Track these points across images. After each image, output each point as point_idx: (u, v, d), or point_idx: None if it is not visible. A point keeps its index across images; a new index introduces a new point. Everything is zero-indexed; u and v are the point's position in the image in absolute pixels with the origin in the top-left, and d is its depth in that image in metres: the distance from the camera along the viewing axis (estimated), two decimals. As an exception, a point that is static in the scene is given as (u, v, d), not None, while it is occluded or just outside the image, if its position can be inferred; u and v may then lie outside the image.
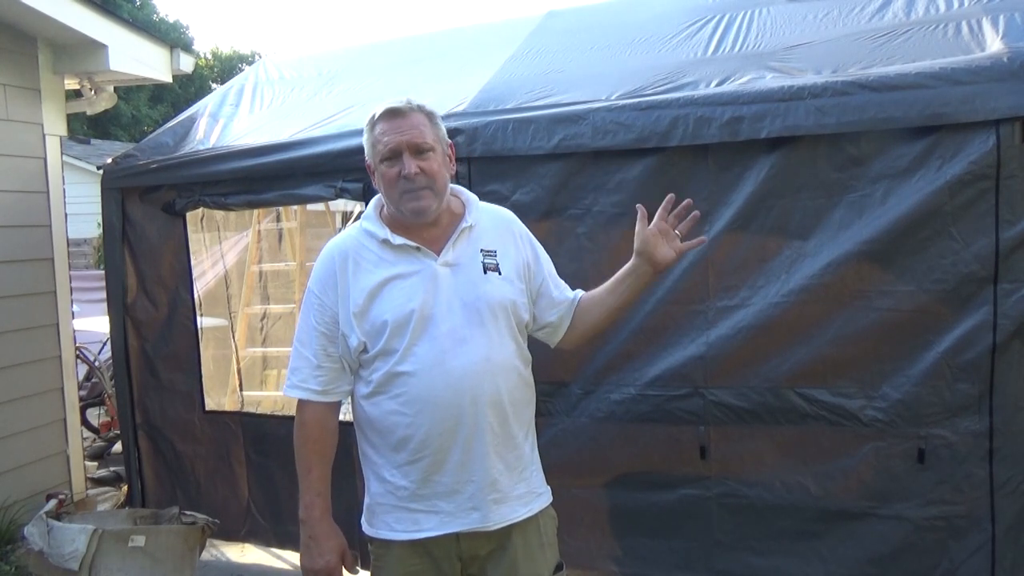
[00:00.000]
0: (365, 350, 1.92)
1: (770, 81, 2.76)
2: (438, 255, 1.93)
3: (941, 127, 2.50)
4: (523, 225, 2.12)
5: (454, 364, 1.86)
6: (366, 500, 2.02)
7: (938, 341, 2.55)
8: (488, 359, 1.90)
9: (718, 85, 2.84)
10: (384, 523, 1.96)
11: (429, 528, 1.91)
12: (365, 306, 1.90)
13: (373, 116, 1.95)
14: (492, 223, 2.05)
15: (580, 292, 2.14)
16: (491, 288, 1.94)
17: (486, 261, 1.96)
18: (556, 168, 2.98)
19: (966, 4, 2.92)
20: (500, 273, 1.97)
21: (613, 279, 2.08)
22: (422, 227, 1.95)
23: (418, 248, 1.92)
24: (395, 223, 1.96)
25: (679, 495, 2.90)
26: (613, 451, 2.97)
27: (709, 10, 3.49)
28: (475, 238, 1.98)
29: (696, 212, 2.03)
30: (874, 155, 2.60)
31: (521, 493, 1.96)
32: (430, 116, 1.95)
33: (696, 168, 2.81)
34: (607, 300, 2.08)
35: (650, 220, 2.02)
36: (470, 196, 2.06)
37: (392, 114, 1.91)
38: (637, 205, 2.04)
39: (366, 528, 2.01)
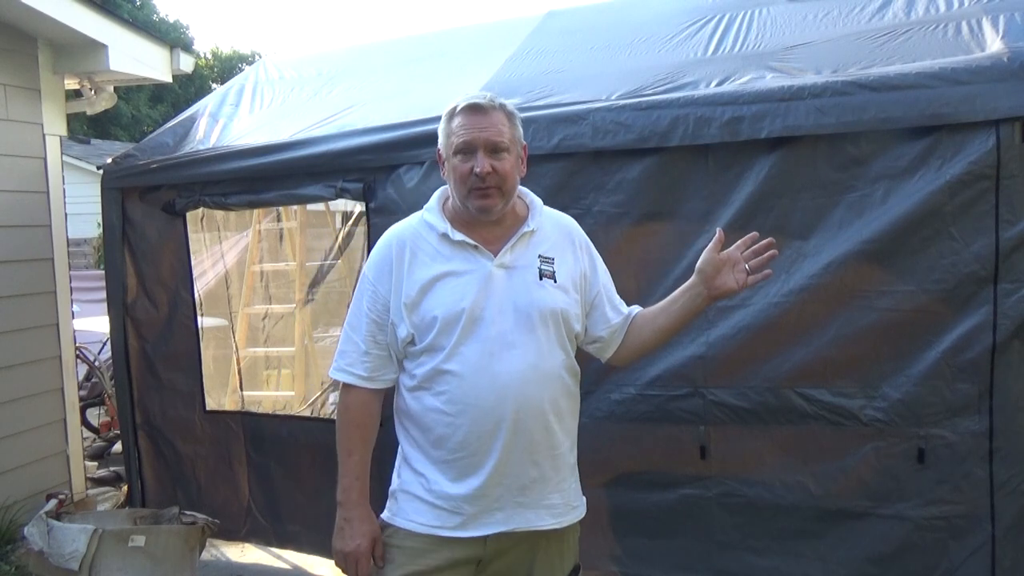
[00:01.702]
0: (413, 342, 1.91)
1: (770, 81, 2.76)
2: (495, 256, 1.91)
3: (941, 127, 2.51)
4: (584, 234, 2.10)
5: (500, 368, 1.84)
6: (392, 485, 2.01)
7: (938, 341, 2.55)
8: (535, 366, 1.87)
9: (718, 85, 2.84)
10: (404, 512, 1.95)
11: (450, 527, 1.89)
12: (417, 299, 1.88)
13: (454, 107, 1.92)
14: (553, 229, 2.02)
15: (636, 308, 2.12)
16: (545, 295, 1.92)
17: (543, 267, 1.94)
18: (556, 168, 2.98)
19: (966, 4, 2.93)
20: (555, 281, 1.94)
21: (667, 299, 2.06)
22: (484, 225, 1.93)
23: (476, 247, 1.90)
24: (457, 218, 1.94)
25: (679, 495, 2.90)
26: (613, 451, 2.97)
27: (709, 10, 3.50)
28: (535, 243, 1.96)
29: (774, 251, 1.98)
30: (874, 155, 2.60)
31: (555, 503, 1.95)
32: (510, 116, 1.93)
33: (696, 168, 2.81)
34: (658, 320, 2.06)
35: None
36: (535, 199, 2.04)
37: (474, 109, 1.89)
38: (718, 229, 2.01)
39: (386, 514, 1.99)
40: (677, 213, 2.78)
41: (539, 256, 1.95)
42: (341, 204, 5.32)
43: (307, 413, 4.81)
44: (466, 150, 1.87)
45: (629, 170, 2.88)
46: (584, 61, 3.47)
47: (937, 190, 2.51)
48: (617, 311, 2.09)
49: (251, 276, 5.33)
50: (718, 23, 3.36)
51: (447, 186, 1.99)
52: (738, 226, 2.75)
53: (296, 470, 3.61)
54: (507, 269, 1.91)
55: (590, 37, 3.69)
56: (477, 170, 1.85)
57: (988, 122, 2.45)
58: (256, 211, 5.18)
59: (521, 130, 1.97)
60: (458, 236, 1.90)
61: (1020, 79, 2.41)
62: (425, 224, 1.96)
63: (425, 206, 2.01)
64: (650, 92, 2.92)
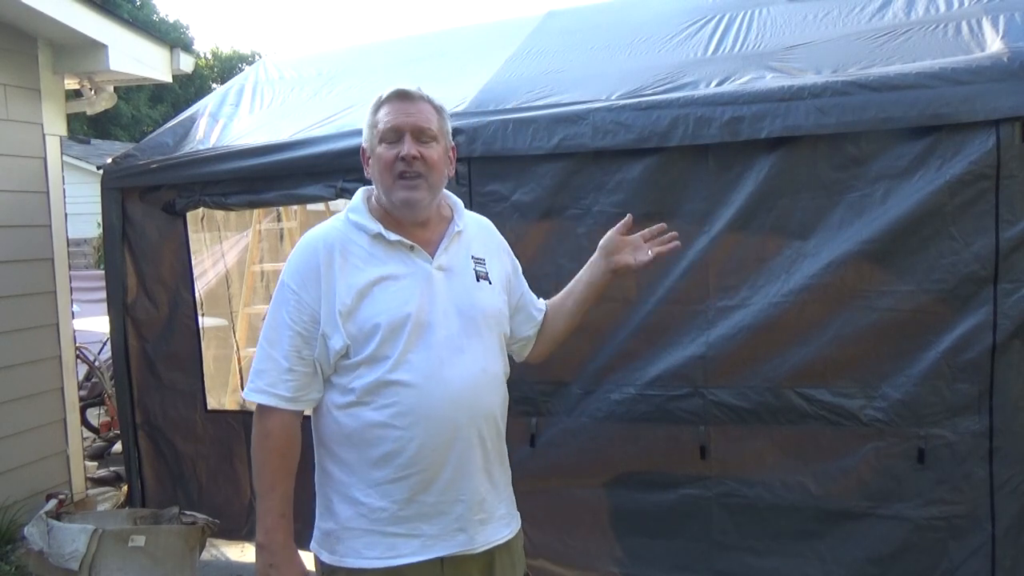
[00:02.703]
0: (347, 355, 1.75)
1: (770, 81, 2.76)
2: (432, 257, 1.82)
3: (941, 127, 2.51)
4: (501, 236, 2.07)
5: (452, 375, 1.74)
6: (324, 526, 1.84)
7: (938, 341, 2.55)
8: (485, 371, 1.81)
9: (718, 85, 2.84)
10: (352, 550, 1.77)
11: (408, 553, 1.75)
12: (353, 306, 1.73)
13: (380, 98, 1.83)
14: (477, 231, 1.97)
15: (543, 301, 2.13)
16: (484, 297, 1.86)
17: (477, 268, 1.87)
18: (556, 168, 2.97)
19: (966, 4, 2.93)
20: (490, 282, 1.90)
21: (571, 282, 2.08)
22: (413, 227, 1.83)
23: (412, 247, 1.80)
24: (385, 219, 1.83)
25: (679, 495, 2.90)
26: (613, 451, 2.97)
27: (709, 10, 3.50)
28: (464, 244, 1.89)
29: (677, 244, 2.08)
30: (874, 155, 2.60)
31: (503, 513, 1.88)
32: (439, 109, 1.85)
33: (696, 168, 2.81)
34: (566, 304, 2.07)
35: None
36: (457, 200, 1.97)
37: (400, 96, 1.81)
38: (628, 214, 2.07)
39: (326, 557, 1.82)
40: (677, 213, 2.78)
41: (472, 257, 1.89)
42: (341, 204, 5.32)
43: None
44: (392, 137, 1.78)
45: (629, 170, 2.88)
46: (584, 61, 3.47)
47: (937, 190, 2.51)
48: (539, 309, 2.09)
49: (251, 276, 5.34)
50: (718, 23, 3.36)
51: (367, 187, 1.91)
52: (738, 226, 2.76)
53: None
54: (445, 271, 1.82)
55: (590, 37, 3.69)
56: (403, 154, 1.76)
57: (988, 122, 2.45)
58: (256, 211, 5.19)
59: (449, 127, 1.89)
60: (393, 236, 1.79)
61: (1020, 79, 2.41)
62: (352, 225, 1.82)
63: (348, 207, 1.88)
64: (650, 92, 2.92)
